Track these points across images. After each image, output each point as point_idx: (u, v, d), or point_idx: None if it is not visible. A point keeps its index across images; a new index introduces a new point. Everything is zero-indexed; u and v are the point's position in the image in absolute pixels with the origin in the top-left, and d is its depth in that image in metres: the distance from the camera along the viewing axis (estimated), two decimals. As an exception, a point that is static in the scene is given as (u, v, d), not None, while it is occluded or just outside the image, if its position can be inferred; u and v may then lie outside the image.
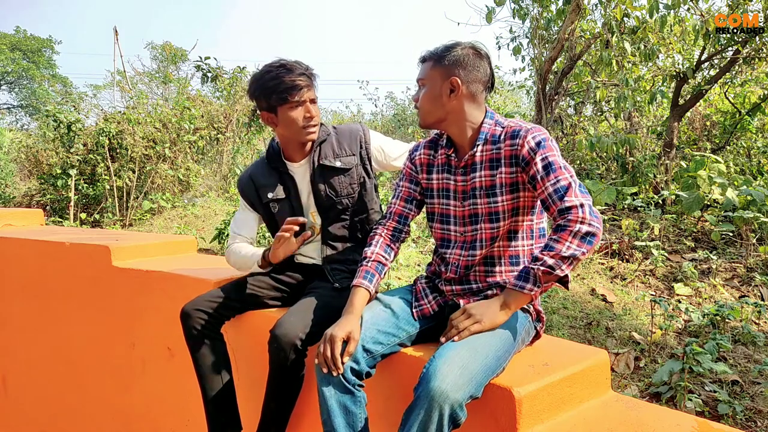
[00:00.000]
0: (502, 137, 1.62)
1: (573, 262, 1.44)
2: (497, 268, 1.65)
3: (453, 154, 1.71)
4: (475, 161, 1.66)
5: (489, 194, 1.62)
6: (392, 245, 1.81)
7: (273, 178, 2.11)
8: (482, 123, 1.66)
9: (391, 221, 1.83)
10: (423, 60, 1.68)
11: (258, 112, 2.07)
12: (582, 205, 1.45)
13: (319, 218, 2.10)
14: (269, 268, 2.08)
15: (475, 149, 1.65)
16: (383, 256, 1.77)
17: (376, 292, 1.77)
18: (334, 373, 1.49)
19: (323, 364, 1.51)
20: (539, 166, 1.52)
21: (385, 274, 1.77)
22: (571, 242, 1.43)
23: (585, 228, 1.43)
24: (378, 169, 2.16)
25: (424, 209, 1.88)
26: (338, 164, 2.05)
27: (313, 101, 1.99)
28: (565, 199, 1.46)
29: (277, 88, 1.93)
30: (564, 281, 1.48)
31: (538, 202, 1.62)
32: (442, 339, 1.51)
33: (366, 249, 1.78)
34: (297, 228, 1.90)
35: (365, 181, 2.09)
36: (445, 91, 1.63)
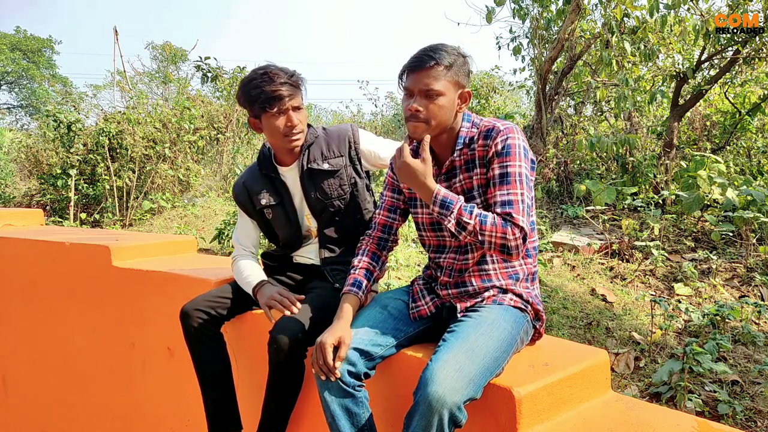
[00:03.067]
0: (476, 138, 1.62)
1: (465, 229, 1.50)
2: (490, 266, 1.65)
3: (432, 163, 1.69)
4: (455, 166, 1.66)
5: (468, 197, 1.63)
6: (379, 254, 1.82)
7: (265, 185, 2.11)
8: (460, 127, 1.66)
9: (376, 231, 1.84)
10: (426, 65, 1.55)
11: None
12: (522, 229, 1.48)
13: (314, 221, 2.10)
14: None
15: (454, 154, 1.65)
16: (371, 264, 1.79)
17: (375, 293, 1.77)
18: (332, 379, 1.51)
19: (318, 371, 1.52)
20: (496, 172, 1.55)
21: (374, 281, 1.79)
22: (491, 232, 1.48)
23: (503, 242, 1.48)
24: (369, 168, 2.15)
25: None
26: (326, 166, 2.04)
27: (297, 108, 1.96)
28: (508, 212, 1.49)
29: (258, 97, 1.91)
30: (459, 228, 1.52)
31: None
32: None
33: (353, 259, 1.80)
34: (296, 310, 1.87)
35: (356, 182, 2.08)
36: (457, 101, 1.62)
